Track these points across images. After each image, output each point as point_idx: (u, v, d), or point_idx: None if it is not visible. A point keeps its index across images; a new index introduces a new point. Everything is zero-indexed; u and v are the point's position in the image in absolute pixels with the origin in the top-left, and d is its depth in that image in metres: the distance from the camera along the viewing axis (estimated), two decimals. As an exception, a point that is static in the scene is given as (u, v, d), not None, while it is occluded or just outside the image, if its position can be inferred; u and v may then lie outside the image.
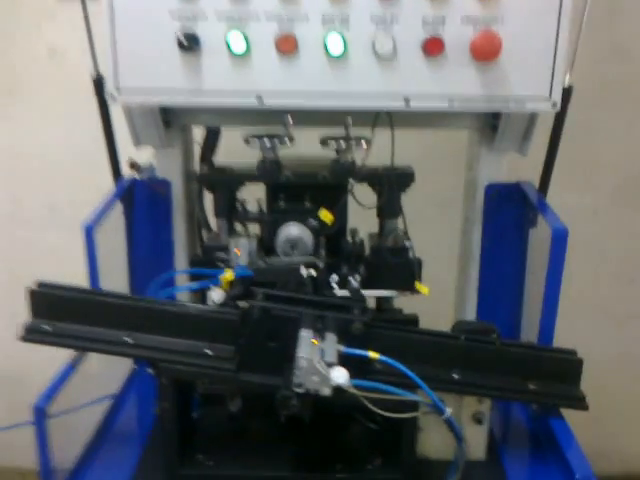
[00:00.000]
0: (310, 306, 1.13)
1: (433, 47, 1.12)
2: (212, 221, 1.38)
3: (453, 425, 1.07)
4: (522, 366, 1.17)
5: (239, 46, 1.12)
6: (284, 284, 1.18)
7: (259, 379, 1.12)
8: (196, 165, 1.46)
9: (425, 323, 1.29)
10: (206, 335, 1.14)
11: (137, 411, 1.39)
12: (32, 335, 1.15)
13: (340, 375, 1.01)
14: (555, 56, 1.11)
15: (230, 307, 1.18)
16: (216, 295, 1.21)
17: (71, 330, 1.14)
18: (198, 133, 1.44)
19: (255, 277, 1.18)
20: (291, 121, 1.20)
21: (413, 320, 1.30)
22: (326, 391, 1.02)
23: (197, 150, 1.43)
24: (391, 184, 1.26)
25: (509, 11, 1.11)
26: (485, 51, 1.11)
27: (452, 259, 1.57)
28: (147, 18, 1.12)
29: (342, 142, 1.26)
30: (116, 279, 1.40)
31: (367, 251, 1.30)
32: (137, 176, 1.43)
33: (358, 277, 1.21)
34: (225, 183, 1.30)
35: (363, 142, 1.26)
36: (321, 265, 1.20)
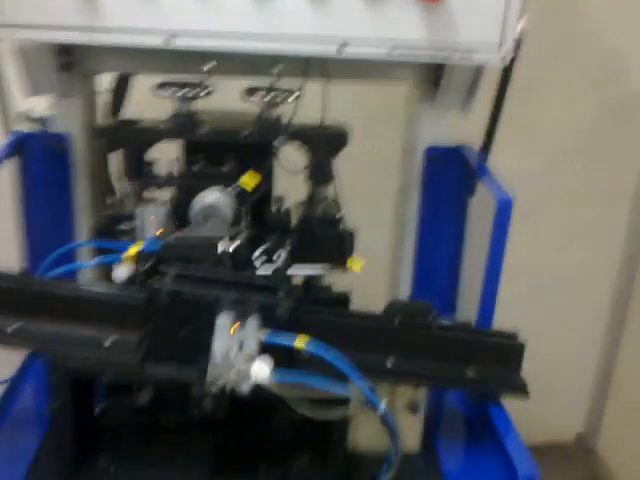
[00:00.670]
0: (228, 288, 0.99)
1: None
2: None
3: (388, 421, 0.97)
4: (460, 351, 1.07)
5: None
6: (198, 261, 1.03)
7: (168, 372, 0.98)
8: (102, 119, 1.27)
9: (358, 301, 1.18)
10: (106, 322, 0.99)
11: (33, 403, 1.22)
12: None
13: (260, 371, 0.88)
14: (508, 2, 0.98)
15: (135, 287, 1.03)
16: (120, 272, 1.05)
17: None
18: (106, 82, 1.25)
19: (163, 253, 1.02)
20: (209, 66, 1.03)
21: (343, 299, 1.18)
22: (244, 389, 0.89)
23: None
24: (321, 146, 1.11)
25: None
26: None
27: (387, 229, 1.45)
28: None
29: (268, 94, 1.10)
30: (5, 253, 1.21)
31: (294, 222, 1.16)
32: (30, 129, 1.23)
33: (283, 253, 1.07)
34: (130, 139, 1.11)
35: (291, 95, 1.10)
36: (242, 239, 1.05)
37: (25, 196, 1.25)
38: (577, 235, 1.99)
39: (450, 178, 1.29)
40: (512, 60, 1.05)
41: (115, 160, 1.20)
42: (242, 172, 1.09)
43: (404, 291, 1.39)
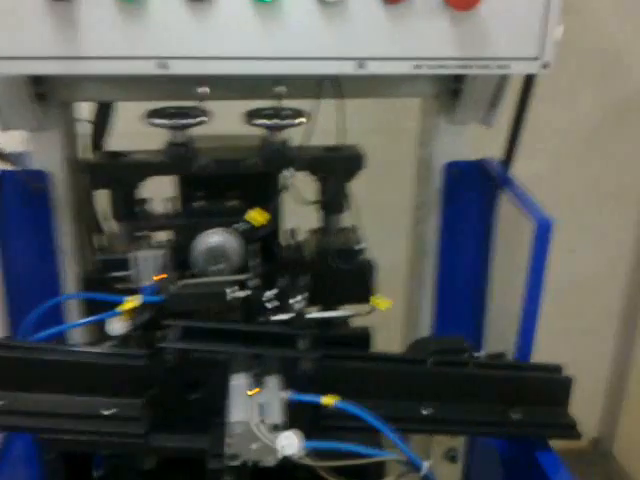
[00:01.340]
0: (242, 340, 0.87)
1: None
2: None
3: (432, 482, 0.85)
4: (502, 391, 0.97)
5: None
6: (205, 312, 0.90)
7: (177, 444, 0.86)
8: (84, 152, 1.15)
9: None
10: (103, 388, 0.86)
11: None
12: None
13: (289, 444, 0.76)
14: (548, 3, 0.87)
15: (134, 345, 0.90)
16: (116, 327, 0.92)
17: None
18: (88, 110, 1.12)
19: (165, 305, 0.89)
20: (207, 91, 0.90)
21: (364, 336, 1.06)
22: (270, 462, 0.77)
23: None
24: (336, 172, 0.99)
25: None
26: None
27: (399, 255, 1.34)
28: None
29: (274, 117, 0.97)
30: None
31: (308, 254, 1.04)
32: (6, 167, 1.10)
33: (300, 294, 0.95)
34: (118, 175, 0.98)
35: (299, 117, 0.98)
36: (254, 282, 0.92)
37: (1, 241, 1.11)
38: (587, 235, 1.94)
39: (472, 194, 1.18)
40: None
41: (101, 196, 1.07)
42: (248, 206, 0.97)
43: (425, 319, 1.27)
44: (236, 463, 0.78)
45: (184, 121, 0.94)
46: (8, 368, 0.85)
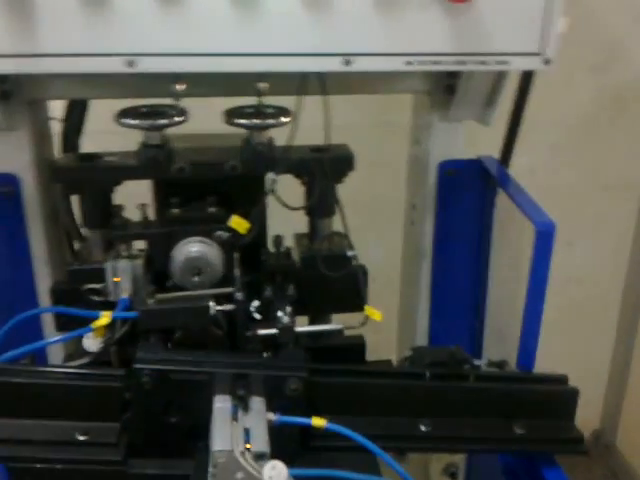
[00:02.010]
0: (225, 359, 0.81)
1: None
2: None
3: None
4: (505, 405, 0.91)
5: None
6: (186, 328, 0.84)
7: (157, 469, 0.80)
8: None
9: (368, 338, 1.00)
10: (76, 412, 0.80)
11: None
12: None
13: (276, 474, 0.70)
14: (549, -5, 0.80)
15: (110, 361, 0.84)
16: (91, 344, 0.86)
17: None
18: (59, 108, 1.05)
19: (141, 321, 0.83)
20: (183, 88, 0.84)
21: (358, 345, 1.00)
22: (256, 492, 0.71)
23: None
24: (324, 174, 0.93)
25: None
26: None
27: (394, 255, 1.27)
28: None
29: (255, 117, 0.91)
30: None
31: (296, 262, 0.98)
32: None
33: (287, 305, 0.88)
34: (90, 179, 0.92)
35: (283, 115, 0.92)
36: (240, 295, 0.86)
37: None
38: (586, 227, 1.89)
39: (468, 194, 1.12)
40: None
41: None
42: (229, 212, 0.90)
43: (421, 323, 1.21)
44: (219, 494, 0.72)
45: (158, 122, 0.87)
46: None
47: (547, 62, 0.83)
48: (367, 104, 1.49)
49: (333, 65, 0.80)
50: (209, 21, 0.77)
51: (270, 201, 0.94)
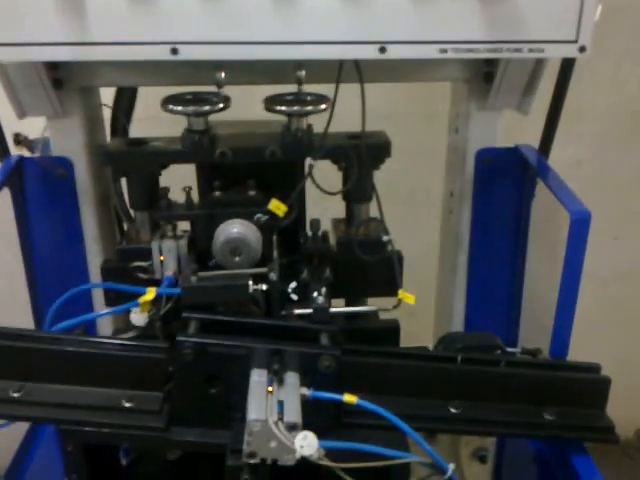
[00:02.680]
0: (262, 335, 0.85)
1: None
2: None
3: (457, 486, 0.82)
4: (535, 391, 0.92)
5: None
6: (226, 305, 0.88)
7: (197, 437, 0.84)
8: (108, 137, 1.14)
9: (404, 325, 1.02)
10: (123, 381, 0.85)
11: (46, 470, 1.08)
12: None
13: (307, 444, 0.74)
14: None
15: (155, 335, 0.89)
16: (137, 319, 0.91)
17: None
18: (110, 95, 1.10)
19: (185, 297, 0.87)
20: (223, 76, 0.87)
21: (393, 329, 1.03)
22: (289, 461, 0.75)
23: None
24: (361, 160, 0.95)
25: None
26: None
27: (428, 247, 1.29)
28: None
29: (294, 104, 0.94)
30: (9, 296, 1.08)
31: (333, 245, 1.00)
32: (27, 154, 1.09)
33: (323, 287, 0.91)
34: (138, 163, 0.96)
35: (322, 102, 0.94)
36: (275, 275, 0.90)
37: (26, 229, 1.11)
38: (632, 222, 1.88)
39: (506, 183, 1.13)
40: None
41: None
42: (270, 194, 0.94)
43: (457, 311, 1.23)
44: (254, 461, 0.76)
45: (202, 107, 0.91)
46: (27, 359, 0.85)
47: (582, 49, 0.83)
48: (408, 93, 1.51)
49: (369, 53, 0.82)
50: (248, 10, 0.80)
51: (308, 186, 0.97)
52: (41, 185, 1.08)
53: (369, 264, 0.97)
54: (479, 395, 0.91)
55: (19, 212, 1.09)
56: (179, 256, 0.94)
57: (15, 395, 0.83)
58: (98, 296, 1.08)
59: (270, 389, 0.79)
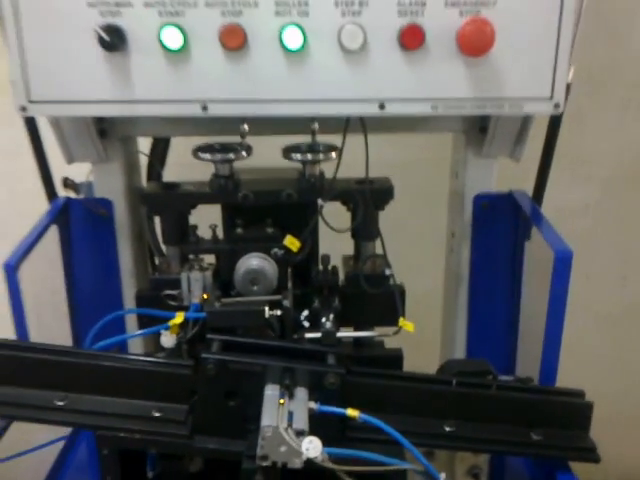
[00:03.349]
0: (276, 355, 0.96)
1: (411, 38, 0.92)
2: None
3: (448, 495, 0.91)
4: (523, 413, 1.01)
5: (175, 41, 0.92)
6: (245, 328, 1.00)
7: (217, 445, 0.95)
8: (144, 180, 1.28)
9: (411, 356, 1.13)
10: (154, 393, 0.96)
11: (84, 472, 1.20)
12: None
13: (313, 447, 0.84)
14: (557, 48, 0.92)
15: (182, 356, 1.00)
16: (167, 341, 1.03)
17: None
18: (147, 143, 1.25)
19: (209, 320, 0.99)
20: (247, 128, 1.01)
21: (396, 357, 1.13)
22: (296, 463, 0.85)
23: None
24: (366, 202, 1.07)
25: (502, -7, 0.92)
26: (474, 42, 0.91)
27: (435, 281, 1.40)
28: (58, 11, 0.91)
29: (308, 153, 1.07)
30: (53, 320, 1.21)
31: (342, 279, 1.12)
32: (73, 195, 1.24)
33: (332, 314, 1.03)
34: (171, 204, 1.10)
35: (332, 151, 1.07)
36: (288, 303, 1.01)
37: (70, 261, 1.24)
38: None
39: (502, 225, 1.23)
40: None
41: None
42: (285, 232, 1.07)
43: (459, 344, 1.33)
44: (266, 463, 0.85)
45: (228, 156, 1.05)
46: (70, 373, 0.96)
47: (557, 106, 0.95)
48: (422, 141, 1.63)
49: (370, 109, 0.95)
50: (267, 73, 0.94)
51: (321, 225, 1.10)
52: (85, 223, 1.22)
53: (373, 296, 1.09)
54: (472, 415, 0.98)
55: (65, 246, 1.22)
56: (205, 285, 1.06)
57: (60, 403, 0.95)
58: (131, 322, 1.20)
59: (282, 401, 0.90)
